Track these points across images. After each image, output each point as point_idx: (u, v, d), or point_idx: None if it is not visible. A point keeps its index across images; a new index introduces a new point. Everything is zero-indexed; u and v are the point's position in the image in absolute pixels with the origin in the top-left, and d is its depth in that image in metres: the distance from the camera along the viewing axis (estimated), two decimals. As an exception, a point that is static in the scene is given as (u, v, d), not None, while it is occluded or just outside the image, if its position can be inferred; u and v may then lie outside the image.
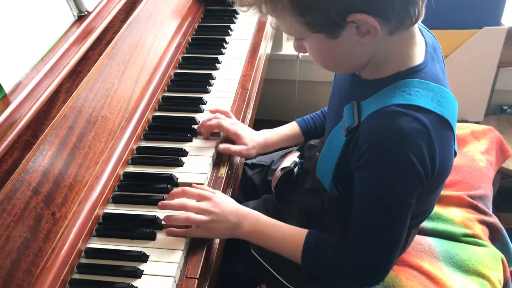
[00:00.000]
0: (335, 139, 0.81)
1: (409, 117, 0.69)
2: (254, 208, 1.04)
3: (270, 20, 0.77)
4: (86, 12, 0.96)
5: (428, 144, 0.70)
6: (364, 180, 0.75)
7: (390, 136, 0.70)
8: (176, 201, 0.86)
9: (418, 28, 0.76)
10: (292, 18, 0.70)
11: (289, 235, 0.85)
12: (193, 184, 0.91)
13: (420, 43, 0.76)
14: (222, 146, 1.01)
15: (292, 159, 1.04)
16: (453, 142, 0.76)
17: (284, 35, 1.89)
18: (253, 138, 1.03)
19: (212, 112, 1.06)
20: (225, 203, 0.87)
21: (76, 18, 0.95)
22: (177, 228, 0.85)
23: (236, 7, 0.75)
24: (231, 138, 1.03)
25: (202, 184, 0.92)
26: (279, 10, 0.70)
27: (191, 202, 0.86)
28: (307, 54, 0.77)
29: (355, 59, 0.75)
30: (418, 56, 0.75)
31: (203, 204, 0.85)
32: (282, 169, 1.02)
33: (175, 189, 0.89)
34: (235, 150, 1.01)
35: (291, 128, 1.09)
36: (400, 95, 0.71)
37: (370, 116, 0.72)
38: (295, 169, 1.01)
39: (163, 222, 0.86)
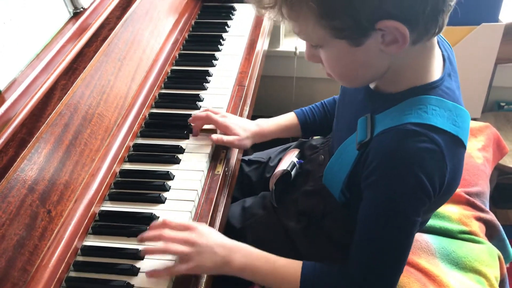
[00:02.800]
0: (346, 152, 0.78)
1: (424, 137, 0.67)
2: (252, 206, 1.05)
3: (289, 24, 0.70)
4: (81, 9, 0.95)
5: (440, 164, 0.68)
6: (372, 200, 0.72)
7: (401, 156, 0.67)
8: (154, 231, 0.80)
9: (436, 39, 0.73)
10: (316, 22, 0.65)
11: (284, 269, 0.80)
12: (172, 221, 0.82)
13: (438, 56, 0.74)
14: (215, 136, 0.99)
15: (290, 158, 1.03)
16: (463, 157, 0.74)
17: (282, 32, 1.88)
18: (246, 127, 1.01)
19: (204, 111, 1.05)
20: (211, 234, 0.80)
21: (72, 14, 0.95)
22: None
23: (255, 9, 0.70)
24: (222, 130, 1.02)
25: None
26: (303, 12, 0.65)
27: (172, 233, 0.79)
28: (305, 50, 0.74)
29: (374, 70, 0.71)
30: (436, 70, 0.72)
31: (185, 234, 0.78)
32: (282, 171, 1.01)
33: (155, 221, 0.82)
34: (227, 140, 0.99)
35: (288, 118, 1.07)
36: (416, 113, 0.68)
37: (383, 132, 0.70)
38: (293, 172, 1.00)
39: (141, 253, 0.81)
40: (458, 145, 0.71)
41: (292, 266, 0.79)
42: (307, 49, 0.75)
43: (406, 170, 0.67)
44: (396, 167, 0.68)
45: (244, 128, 1.02)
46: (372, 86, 0.78)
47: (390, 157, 0.68)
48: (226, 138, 1.00)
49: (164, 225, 0.80)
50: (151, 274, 0.77)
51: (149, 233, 0.80)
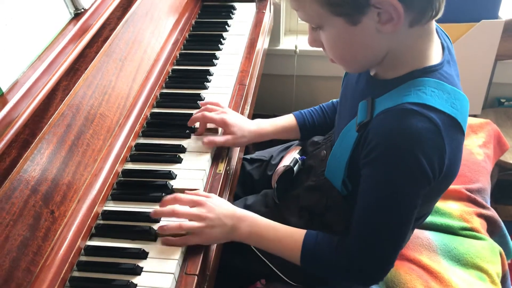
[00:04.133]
0: (347, 135, 0.79)
1: (422, 116, 0.68)
2: (254, 203, 1.05)
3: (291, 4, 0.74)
4: (82, 10, 0.96)
5: (438, 144, 0.69)
6: (370, 177, 0.74)
7: (400, 135, 0.69)
8: (168, 207, 0.85)
9: (435, 27, 0.75)
10: None
11: (287, 236, 0.84)
12: (185, 190, 0.88)
13: (437, 43, 0.75)
14: (206, 139, 0.99)
15: (293, 155, 1.03)
16: (462, 145, 0.75)
17: (282, 30, 1.88)
18: (243, 126, 1.01)
19: (202, 105, 1.06)
20: (220, 207, 0.85)
21: (73, 15, 0.95)
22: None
23: None
24: (220, 127, 1.02)
25: (196, 189, 0.90)
26: None
27: (183, 208, 0.84)
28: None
29: (372, 52, 0.73)
30: (435, 56, 0.74)
31: (195, 210, 0.83)
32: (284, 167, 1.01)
33: (167, 196, 0.86)
34: (220, 141, 0.99)
35: (287, 120, 1.07)
36: (415, 93, 0.70)
37: (382, 113, 0.72)
38: (295, 167, 1.01)
39: (157, 231, 0.84)
40: (456, 128, 0.72)
41: (295, 235, 0.84)
42: (309, 34, 0.77)
43: (405, 148, 0.69)
44: (395, 145, 0.69)
45: (241, 127, 1.01)
46: (372, 73, 0.80)
47: (389, 135, 0.70)
48: (218, 139, 0.99)
49: (175, 200, 0.85)
50: (167, 241, 0.82)
51: (162, 209, 0.84)
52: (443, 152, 0.70)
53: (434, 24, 0.73)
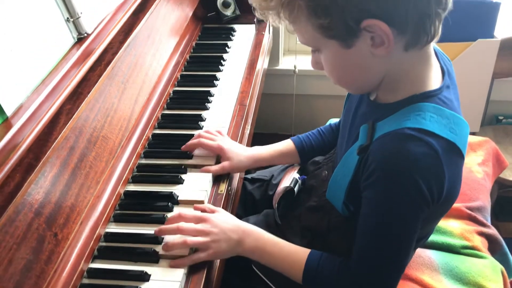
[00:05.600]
0: (349, 159, 0.80)
1: (421, 141, 0.68)
2: (255, 224, 1.05)
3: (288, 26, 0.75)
4: (85, 34, 0.97)
5: (437, 169, 0.69)
6: (370, 201, 0.74)
7: (399, 159, 0.69)
8: (172, 225, 0.85)
9: (434, 51, 0.76)
10: (308, 22, 0.70)
11: (292, 253, 0.85)
12: (194, 205, 0.90)
13: (436, 67, 0.76)
14: (201, 170, 1.00)
15: (292, 175, 1.04)
16: (462, 169, 0.76)
17: (281, 50, 1.91)
18: (240, 152, 1.03)
19: (199, 136, 1.06)
20: (225, 222, 0.86)
21: (76, 40, 0.96)
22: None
23: (257, 14, 0.75)
24: (217, 154, 1.04)
25: (202, 201, 0.93)
26: (295, 13, 0.69)
27: (188, 225, 0.84)
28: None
29: (370, 74, 0.74)
30: (434, 80, 0.75)
31: (200, 226, 0.84)
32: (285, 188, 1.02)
33: (172, 214, 0.88)
34: (215, 169, 1.01)
35: (285, 145, 1.08)
36: (414, 119, 0.70)
37: (382, 137, 0.72)
38: (296, 188, 1.01)
39: (160, 253, 0.84)
40: (456, 152, 0.72)
41: (299, 253, 0.85)
42: (312, 57, 0.79)
43: (403, 173, 0.69)
44: (393, 170, 0.70)
45: (238, 152, 1.03)
46: (372, 97, 0.81)
47: (387, 160, 0.71)
48: (213, 168, 1.01)
49: (180, 218, 0.86)
50: (175, 264, 0.82)
51: (166, 226, 0.85)
52: (442, 177, 0.70)
53: (432, 48, 0.74)
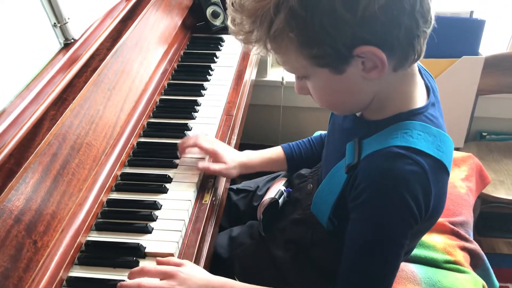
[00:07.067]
0: (336, 176, 0.79)
1: (409, 160, 0.68)
2: (239, 235, 1.05)
3: (275, 58, 0.74)
4: (72, 40, 0.97)
5: (425, 186, 0.69)
6: (359, 220, 0.73)
7: (388, 178, 0.69)
8: (133, 281, 0.78)
9: (418, 69, 0.76)
10: (298, 52, 0.68)
11: None
12: (157, 258, 0.82)
13: (421, 85, 0.76)
14: (201, 164, 1.00)
15: (278, 187, 1.04)
16: (447, 185, 0.76)
17: (269, 62, 1.91)
18: (234, 157, 1.03)
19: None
20: (193, 277, 0.78)
21: (63, 45, 0.96)
22: None
23: (242, 45, 0.73)
24: (211, 156, 1.03)
25: (171, 254, 0.85)
26: (285, 44, 0.67)
27: (151, 281, 0.77)
28: (291, 80, 0.76)
29: (360, 97, 0.74)
30: (420, 98, 0.75)
31: (165, 283, 0.76)
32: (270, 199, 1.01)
33: (134, 268, 0.80)
34: (214, 169, 1.00)
35: (275, 152, 1.08)
36: (402, 137, 0.70)
37: (369, 156, 0.72)
38: (280, 200, 1.01)
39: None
40: (442, 170, 0.73)
41: None
42: (296, 82, 0.78)
43: (393, 192, 0.69)
44: (383, 189, 0.70)
45: (232, 158, 1.03)
46: (358, 114, 0.81)
47: (377, 179, 0.70)
48: (213, 166, 1.00)
49: (143, 273, 0.79)
50: None
51: (127, 282, 0.78)
52: (429, 193, 0.70)
53: (416, 66, 0.75)
